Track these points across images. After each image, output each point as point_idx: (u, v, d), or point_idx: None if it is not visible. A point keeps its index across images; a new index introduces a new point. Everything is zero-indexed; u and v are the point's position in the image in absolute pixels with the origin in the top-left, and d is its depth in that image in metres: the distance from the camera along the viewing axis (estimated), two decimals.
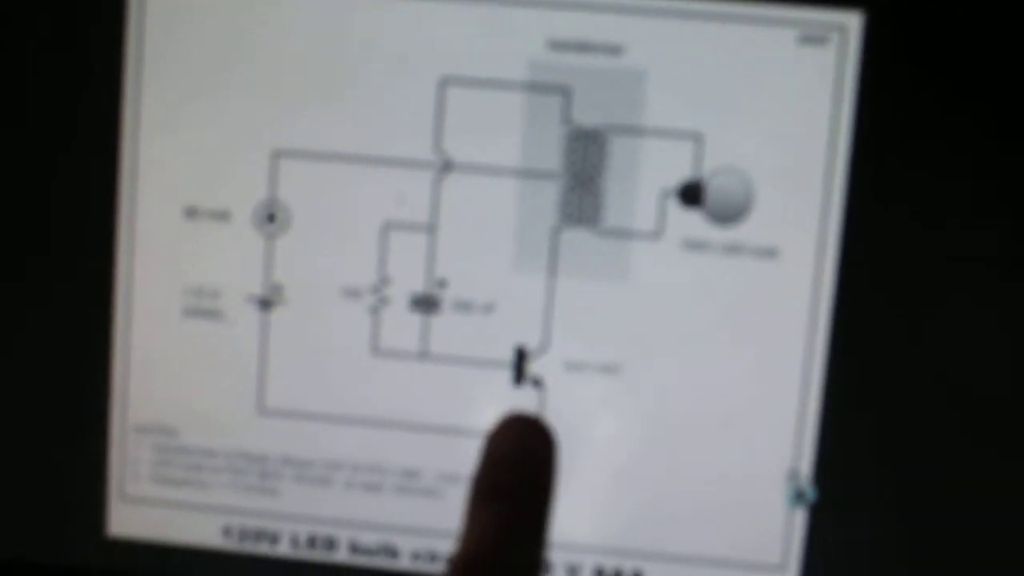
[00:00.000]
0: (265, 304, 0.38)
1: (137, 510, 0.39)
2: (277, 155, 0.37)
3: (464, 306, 0.37)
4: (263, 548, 0.39)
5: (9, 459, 0.39)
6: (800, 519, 0.37)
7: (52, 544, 0.40)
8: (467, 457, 0.37)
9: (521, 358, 0.37)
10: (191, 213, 0.38)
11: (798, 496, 0.37)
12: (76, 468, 0.39)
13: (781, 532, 0.38)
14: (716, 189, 0.36)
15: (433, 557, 0.39)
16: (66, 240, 0.38)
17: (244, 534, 0.39)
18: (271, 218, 0.37)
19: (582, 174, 0.36)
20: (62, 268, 0.38)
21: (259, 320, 0.38)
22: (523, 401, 0.37)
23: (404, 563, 0.39)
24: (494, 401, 0.38)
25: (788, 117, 0.36)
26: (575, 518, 0.38)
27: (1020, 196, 0.36)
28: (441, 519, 0.38)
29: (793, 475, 0.37)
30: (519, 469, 0.24)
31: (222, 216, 0.37)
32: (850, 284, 0.36)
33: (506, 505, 0.24)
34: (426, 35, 0.36)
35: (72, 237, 0.38)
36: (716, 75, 0.36)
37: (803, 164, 0.36)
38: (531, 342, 0.37)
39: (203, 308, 0.38)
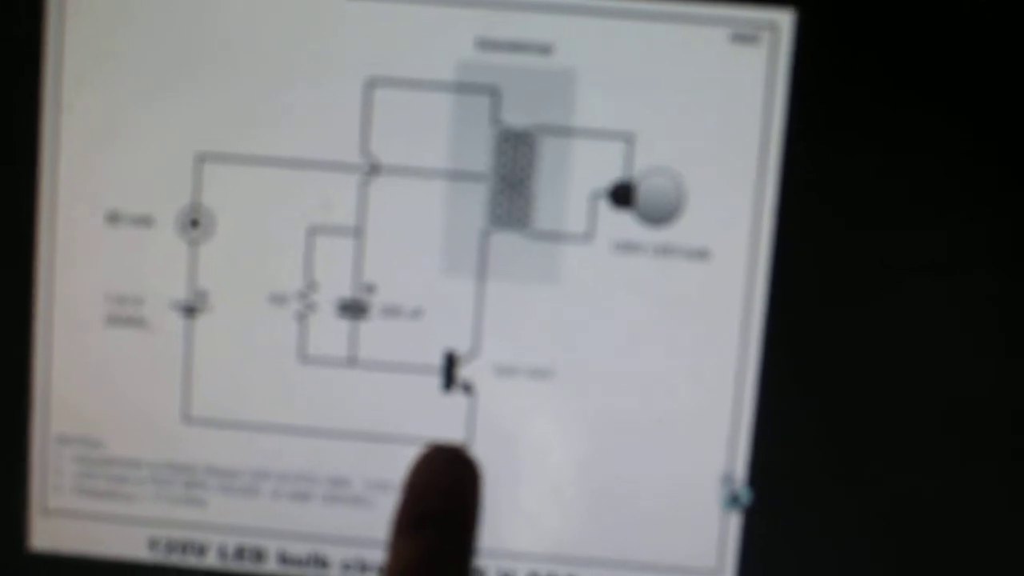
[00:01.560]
0: (189, 311, 0.37)
1: (60, 523, 0.38)
2: (201, 159, 0.36)
3: (393, 311, 0.37)
4: (190, 560, 0.38)
5: None
6: (735, 522, 0.37)
7: None
8: (397, 464, 0.37)
9: (451, 363, 0.37)
10: (113, 218, 0.37)
11: (733, 499, 0.37)
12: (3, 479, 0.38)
13: (716, 535, 0.37)
14: (647, 190, 0.36)
15: (364, 567, 0.38)
16: None
17: (171, 546, 0.38)
18: (195, 223, 0.36)
19: (512, 176, 0.36)
20: None
21: (184, 327, 0.37)
22: (453, 407, 0.37)
23: (334, 573, 0.38)
24: (424, 407, 0.37)
25: (720, 116, 0.35)
26: (508, 525, 0.37)
27: (953, 193, 0.36)
28: (371, 528, 0.38)
29: (728, 478, 0.37)
30: (444, 497, 0.24)
31: (145, 222, 0.37)
32: (783, 284, 0.36)
33: (432, 532, 0.23)
34: (352, 35, 0.36)
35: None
36: (647, 74, 0.35)
37: (735, 164, 0.36)
38: (461, 347, 0.37)
39: (126, 316, 0.37)
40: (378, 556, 0.38)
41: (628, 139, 0.36)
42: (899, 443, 0.37)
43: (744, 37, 0.35)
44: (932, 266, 0.36)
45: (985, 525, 0.37)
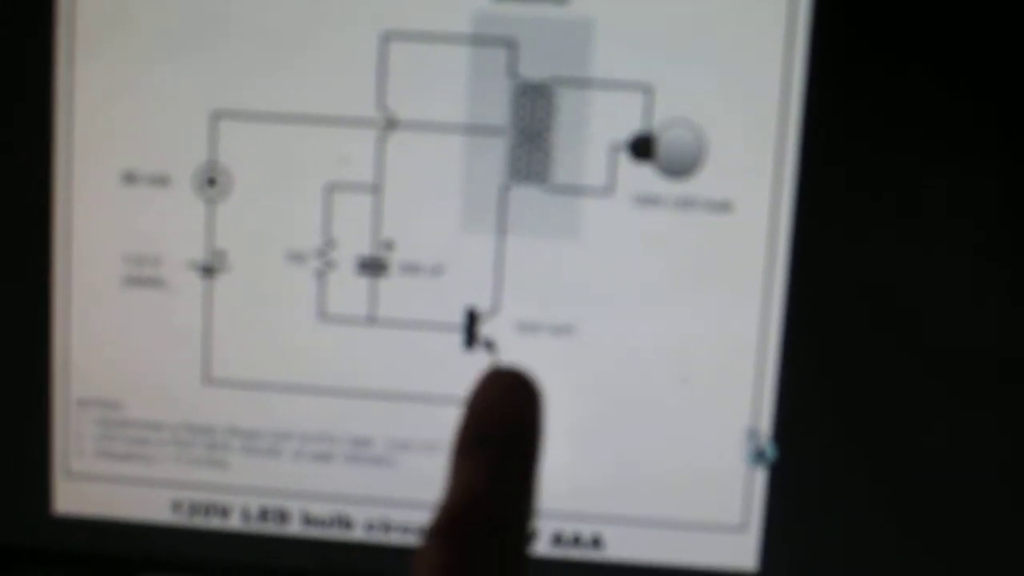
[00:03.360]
0: (208, 271, 0.37)
1: (83, 486, 0.38)
2: (217, 116, 0.36)
3: (412, 268, 0.36)
4: (214, 522, 0.38)
5: None
6: (760, 478, 0.37)
7: (0, 523, 0.39)
8: (419, 424, 0.37)
9: (472, 320, 0.36)
10: (129, 178, 0.36)
11: (758, 455, 0.36)
12: (19, 445, 0.38)
13: (741, 492, 0.37)
14: (668, 142, 0.35)
15: (387, 527, 0.38)
16: (0, 210, 0.37)
17: (194, 508, 0.38)
18: (211, 182, 0.36)
19: (530, 129, 0.35)
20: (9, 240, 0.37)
21: (202, 288, 0.37)
22: (475, 364, 0.36)
23: (358, 534, 0.38)
24: (445, 365, 0.37)
25: (740, 67, 0.35)
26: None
27: (980, 140, 0.35)
28: (394, 488, 0.37)
29: (752, 434, 0.36)
30: (506, 419, 0.23)
31: (161, 181, 0.36)
32: (806, 235, 0.35)
33: (495, 453, 0.23)
34: None
35: (6, 206, 0.37)
36: (665, 25, 0.35)
37: (756, 114, 0.35)
38: (482, 304, 0.36)
39: (144, 276, 0.37)
40: (402, 515, 0.38)
41: (647, 90, 0.35)
42: (925, 398, 0.36)
43: None
44: (959, 214, 0.35)
45: (1015, 479, 0.37)
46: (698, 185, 0.35)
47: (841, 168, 0.35)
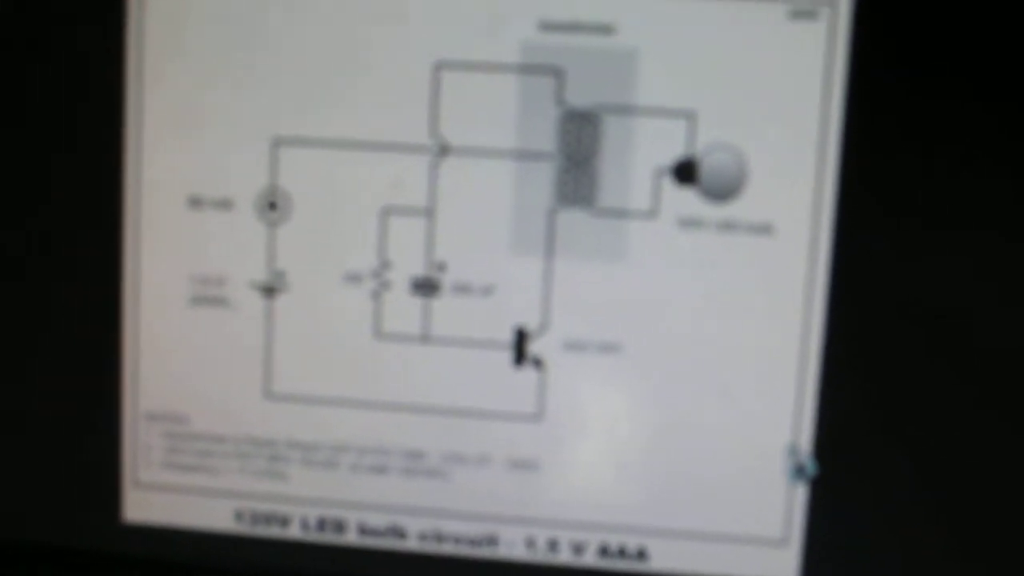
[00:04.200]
0: (269, 291, 0.38)
1: (150, 496, 0.40)
2: (277, 143, 0.38)
3: (464, 288, 0.38)
4: (274, 531, 0.40)
5: (29, 448, 0.40)
6: (801, 494, 0.38)
7: (70, 529, 0.40)
8: (470, 438, 0.38)
9: (521, 339, 0.38)
10: (195, 203, 0.38)
11: (798, 471, 0.37)
12: (91, 456, 0.40)
13: (783, 507, 0.38)
14: (710, 166, 0.36)
15: (440, 538, 0.39)
16: (74, 234, 0.39)
17: (255, 518, 0.40)
18: (272, 206, 0.38)
19: (577, 155, 0.37)
20: (71, 262, 0.39)
21: (263, 307, 0.38)
22: (524, 381, 0.38)
23: (412, 544, 0.39)
24: (496, 382, 0.38)
25: (780, 92, 0.36)
26: (579, 496, 0.38)
27: (1017, 161, 0.36)
28: (446, 500, 0.39)
29: (793, 450, 0.37)
30: None
31: (225, 205, 0.38)
32: (846, 256, 0.36)
33: None
34: (420, 21, 0.37)
35: (80, 230, 0.39)
36: (707, 52, 0.36)
37: (796, 139, 0.36)
38: (531, 323, 0.38)
39: (209, 296, 0.39)
40: (454, 527, 0.39)
41: (690, 116, 0.36)
42: (964, 412, 0.37)
43: (803, 13, 0.36)
44: (1000, 234, 0.36)
45: None
46: (740, 208, 0.36)
47: (880, 190, 0.36)
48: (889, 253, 0.36)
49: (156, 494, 0.40)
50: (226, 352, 0.39)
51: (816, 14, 0.36)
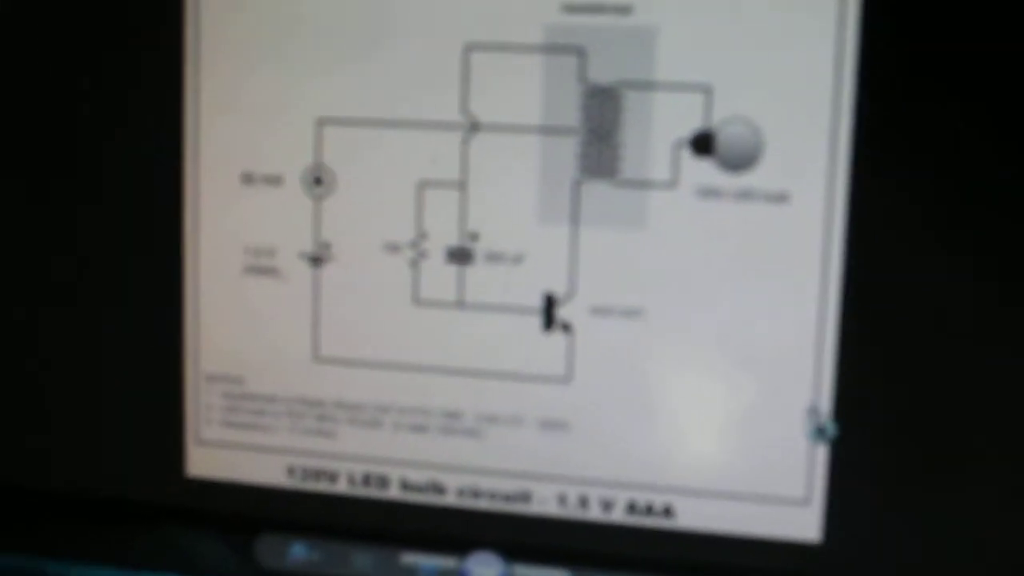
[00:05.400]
0: (316, 261, 0.41)
1: (211, 452, 0.43)
2: (321, 123, 0.40)
3: (495, 257, 0.40)
4: (323, 486, 0.43)
5: (103, 412, 0.44)
6: (822, 453, 0.39)
7: (139, 484, 0.44)
8: (504, 399, 0.40)
9: (550, 305, 0.40)
10: (247, 179, 0.41)
11: (819, 432, 0.39)
12: (157, 416, 0.43)
13: (804, 467, 0.39)
14: (726, 138, 0.38)
15: (476, 493, 0.41)
16: (138, 209, 0.42)
17: (306, 473, 0.43)
18: (318, 181, 0.41)
19: (599, 129, 0.39)
20: (135, 237, 0.42)
21: (311, 276, 0.41)
22: (553, 345, 0.40)
23: (450, 499, 0.42)
24: (527, 345, 0.40)
25: (793, 63, 0.37)
26: (607, 455, 0.40)
27: None
28: (482, 457, 0.41)
29: (813, 411, 0.39)
30: None
31: (275, 181, 0.41)
32: (860, 222, 0.37)
33: None
34: (450, 5, 0.39)
35: (143, 206, 0.42)
36: (723, 29, 0.38)
37: (810, 108, 0.37)
38: (559, 289, 0.40)
39: (261, 266, 0.41)
40: (490, 483, 0.41)
41: (707, 90, 0.38)
42: (981, 374, 0.38)
43: None
44: (1014, 196, 0.37)
45: None
46: (756, 178, 0.38)
47: (893, 155, 0.37)
48: (903, 218, 0.37)
49: (216, 451, 0.43)
50: (278, 318, 0.42)
51: None
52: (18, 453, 0.45)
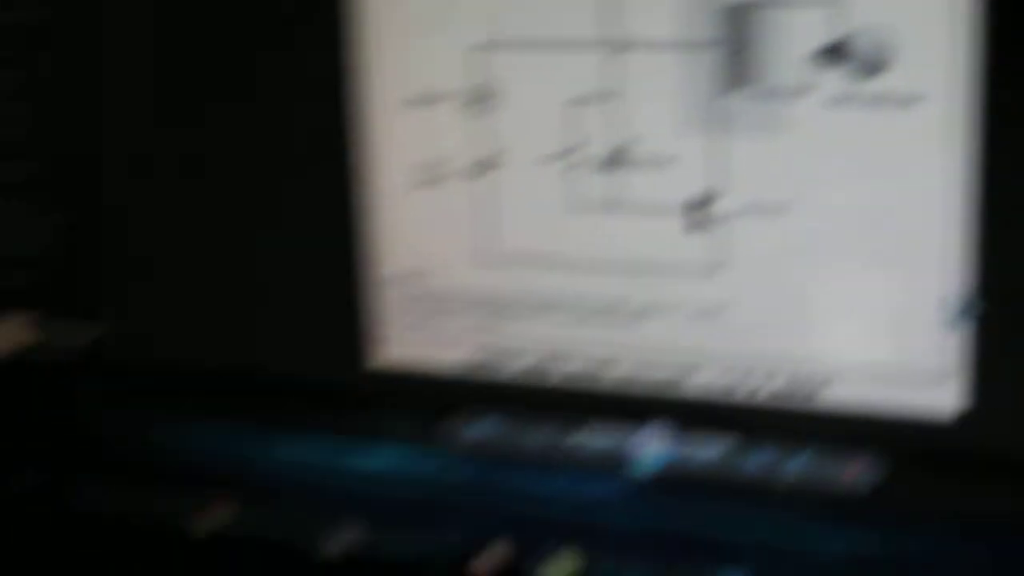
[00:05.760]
0: (480, 171, 0.45)
1: (390, 347, 0.48)
2: (484, 47, 0.44)
3: (643, 164, 0.43)
4: (494, 376, 0.47)
5: (298, 312, 0.50)
6: (961, 335, 0.41)
7: (326, 375, 0.50)
8: (655, 294, 0.44)
9: (697, 205, 0.43)
10: (415, 100, 0.46)
11: (961, 310, 0.41)
12: (342, 314, 0.49)
13: (945, 343, 0.41)
14: (858, 44, 0.40)
15: (631, 382, 0.46)
16: (318, 134, 0.48)
17: (476, 366, 0.47)
18: (481, 100, 0.45)
19: (736, 43, 0.41)
20: (319, 157, 0.48)
21: (476, 185, 0.46)
22: (703, 242, 0.43)
23: (607, 386, 0.46)
24: (675, 244, 0.44)
25: None
26: (756, 341, 0.44)
27: None
28: (636, 349, 0.45)
29: (955, 293, 0.41)
30: None
31: (442, 98, 0.46)
32: (995, 117, 0.39)
33: None
34: None
35: (320, 129, 0.48)
36: None
37: (943, 12, 0.39)
38: (704, 191, 0.43)
39: (432, 176, 0.46)
40: (643, 372, 0.45)
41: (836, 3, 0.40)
42: None
43: None
44: None
45: None
46: (889, 83, 0.40)
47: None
48: None
49: (394, 346, 0.48)
50: (447, 224, 0.47)
51: None
52: (238, 342, 0.52)
